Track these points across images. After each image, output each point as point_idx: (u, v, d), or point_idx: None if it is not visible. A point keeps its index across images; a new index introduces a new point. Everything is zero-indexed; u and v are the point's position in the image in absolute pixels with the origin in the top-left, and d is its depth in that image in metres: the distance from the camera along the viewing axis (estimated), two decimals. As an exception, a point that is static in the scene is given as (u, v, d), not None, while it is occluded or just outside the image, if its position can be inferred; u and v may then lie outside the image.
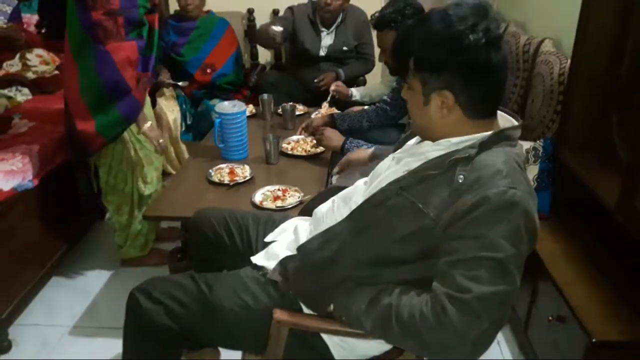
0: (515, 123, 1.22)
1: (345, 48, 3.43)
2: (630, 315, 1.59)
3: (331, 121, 2.59)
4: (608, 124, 1.92)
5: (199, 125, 3.21)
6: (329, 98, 3.08)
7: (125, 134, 2.28)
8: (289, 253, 1.41)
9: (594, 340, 1.50)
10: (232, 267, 1.51)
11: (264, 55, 4.15)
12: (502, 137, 1.17)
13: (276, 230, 1.60)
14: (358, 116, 2.63)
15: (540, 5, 2.92)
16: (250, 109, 2.97)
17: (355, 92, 3.18)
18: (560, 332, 1.70)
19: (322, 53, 3.43)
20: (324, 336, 1.34)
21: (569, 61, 2.15)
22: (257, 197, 1.99)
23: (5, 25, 3.29)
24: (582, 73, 1.97)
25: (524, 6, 3.13)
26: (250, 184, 2.13)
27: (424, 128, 1.24)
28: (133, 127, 2.28)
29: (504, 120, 1.24)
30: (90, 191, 2.66)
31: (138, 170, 2.37)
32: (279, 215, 1.72)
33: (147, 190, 2.43)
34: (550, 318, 1.72)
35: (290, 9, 3.50)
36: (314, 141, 2.44)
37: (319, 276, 1.27)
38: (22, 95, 2.92)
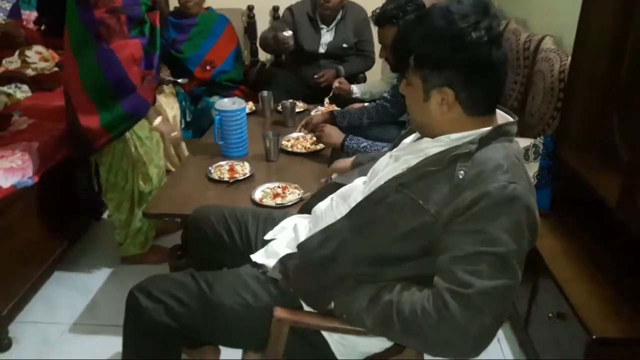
0: (510, 119, 1.22)
1: (345, 45, 3.42)
2: (631, 313, 1.59)
3: (331, 118, 2.59)
4: (608, 122, 1.91)
5: (198, 123, 3.21)
6: (330, 95, 3.08)
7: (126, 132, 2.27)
8: (289, 251, 1.41)
9: (594, 337, 1.50)
10: (231, 264, 1.51)
11: (264, 53, 4.14)
12: (500, 133, 1.17)
13: (276, 228, 1.59)
14: (358, 113, 2.63)
15: (541, 2, 2.92)
16: (250, 106, 2.96)
17: (356, 89, 3.18)
18: (561, 330, 1.70)
19: (321, 50, 3.43)
20: (325, 334, 1.34)
21: (569, 58, 2.14)
22: (257, 195, 1.99)
23: (3, 22, 3.28)
24: (583, 72, 1.96)
25: (525, 3, 3.12)
26: (250, 181, 2.13)
27: (423, 124, 1.24)
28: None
29: (500, 117, 1.24)
30: (90, 189, 2.65)
31: (138, 167, 2.37)
32: (279, 213, 1.72)
33: (147, 188, 2.42)
34: (550, 315, 1.72)
35: (290, 9, 3.50)
36: (314, 138, 2.44)
37: (319, 274, 1.27)
38: (22, 92, 2.92)
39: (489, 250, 1.05)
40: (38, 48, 3.26)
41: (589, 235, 1.95)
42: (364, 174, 1.47)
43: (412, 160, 1.24)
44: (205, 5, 3.38)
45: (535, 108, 2.41)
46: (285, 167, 2.31)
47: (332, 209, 1.41)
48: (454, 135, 1.18)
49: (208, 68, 3.29)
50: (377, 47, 2.30)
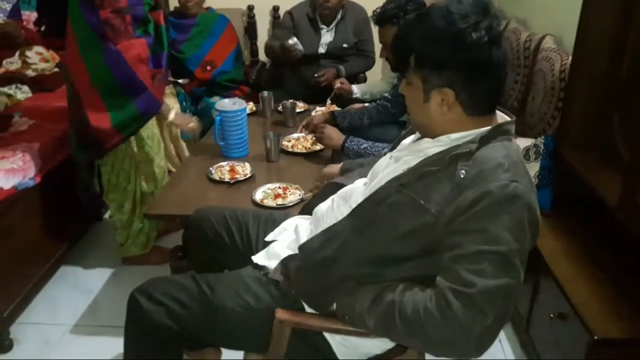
0: (508, 118, 1.22)
1: (345, 45, 3.41)
2: (632, 313, 1.59)
3: (331, 118, 2.59)
4: (609, 122, 1.91)
5: (199, 123, 3.20)
6: (332, 95, 3.08)
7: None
8: (290, 252, 1.41)
9: (595, 337, 1.50)
10: (232, 265, 1.51)
11: (264, 53, 4.14)
12: (500, 132, 1.17)
13: (277, 229, 1.59)
14: (359, 113, 2.62)
15: (542, 1, 2.91)
16: (250, 106, 2.96)
17: (356, 89, 3.18)
18: (562, 330, 1.70)
19: (321, 50, 3.42)
20: (327, 335, 1.34)
21: (570, 58, 2.14)
22: (258, 195, 1.99)
23: (3, 22, 3.28)
24: (583, 72, 1.96)
25: (525, 3, 3.12)
26: (250, 182, 2.13)
27: (423, 124, 1.24)
28: None
29: (499, 116, 1.24)
30: (90, 190, 2.66)
31: (141, 168, 2.37)
32: (280, 214, 1.72)
33: (149, 188, 2.43)
34: (551, 316, 1.72)
35: (289, 13, 3.49)
36: (314, 139, 2.44)
37: (321, 275, 1.27)
38: (22, 93, 2.93)
39: (491, 249, 1.05)
40: (38, 49, 3.26)
41: (590, 235, 1.95)
42: (365, 175, 1.47)
43: (413, 161, 1.24)
44: (206, 5, 3.37)
45: (536, 108, 2.41)
46: (286, 167, 2.31)
47: (333, 210, 1.41)
48: (454, 135, 1.19)
49: (208, 68, 3.29)
50: (378, 47, 2.30)
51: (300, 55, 3.24)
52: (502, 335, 2.17)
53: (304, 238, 1.41)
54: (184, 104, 3.25)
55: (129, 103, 2.15)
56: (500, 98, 1.22)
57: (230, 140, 2.34)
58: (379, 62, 3.56)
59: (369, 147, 2.20)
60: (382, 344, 1.35)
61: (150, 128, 2.39)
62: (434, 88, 1.15)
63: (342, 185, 1.51)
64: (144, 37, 2.15)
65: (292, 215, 1.67)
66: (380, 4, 2.21)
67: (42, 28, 2.67)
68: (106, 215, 2.95)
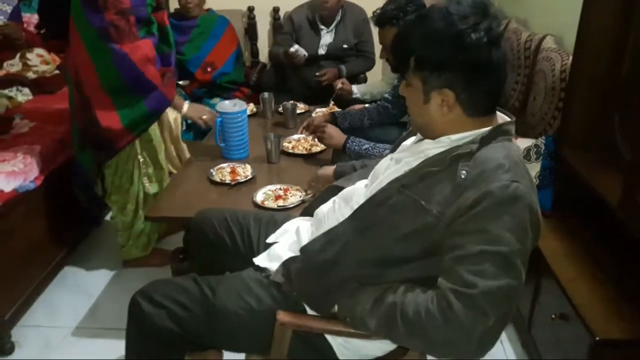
0: (508, 119, 1.22)
1: (345, 46, 3.42)
2: (633, 314, 1.59)
3: (332, 119, 2.59)
4: (609, 122, 1.91)
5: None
6: (334, 96, 3.08)
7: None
8: (291, 254, 1.41)
9: (597, 338, 1.50)
10: (234, 267, 1.51)
11: (265, 54, 4.15)
12: (500, 132, 1.17)
13: (278, 231, 1.59)
14: (359, 114, 2.63)
15: (542, 1, 2.91)
16: (251, 107, 2.96)
17: (356, 90, 3.18)
18: (564, 331, 1.69)
19: (321, 52, 3.43)
20: (328, 337, 1.34)
21: (570, 58, 2.14)
22: (259, 197, 1.99)
23: (4, 24, 3.29)
24: (583, 72, 1.96)
25: (526, 3, 3.12)
26: (251, 184, 2.13)
27: (423, 125, 1.24)
28: None
29: (498, 117, 1.24)
30: (90, 193, 2.65)
31: (144, 169, 2.38)
32: (281, 215, 1.72)
33: (153, 189, 2.43)
34: (553, 316, 1.72)
35: (289, 17, 3.51)
36: (315, 140, 2.44)
37: (322, 277, 1.27)
38: (23, 95, 2.92)
39: (493, 250, 1.05)
40: (39, 51, 3.26)
41: (591, 235, 1.95)
42: (365, 176, 1.47)
43: (413, 162, 1.24)
44: (206, 6, 3.38)
45: (537, 108, 2.41)
46: (287, 168, 2.31)
47: (335, 211, 1.41)
48: (454, 136, 1.19)
49: (209, 70, 3.29)
50: (377, 48, 2.30)
51: (303, 60, 3.26)
52: (503, 335, 2.17)
53: (305, 240, 1.41)
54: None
55: (139, 103, 2.16)
56: (500, 99, 1.22)
57: (231, 142, 2.33)
58: (380, 62, 3.56)
59: (370, 148, 2.20)
60: (384, 346, 1.35)
61: (153, 128, 2.39)
62: (434, 89, 1.15)
63: (342, 188, 1.50)
64: (148, 38, 2.16)
65: (294, 217, 1.67)
66: (380, 5, 2.21)
67: (43, 31, 2.67)
68: (107, 217, 2.95)
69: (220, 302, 1.36)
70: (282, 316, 1.29)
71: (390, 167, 1.31)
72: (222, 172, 2.19)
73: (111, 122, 2.15)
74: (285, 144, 2.45)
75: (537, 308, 1.92)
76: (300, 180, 2.10)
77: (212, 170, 2.19)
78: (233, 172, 2.18)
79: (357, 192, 1.40)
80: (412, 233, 1.16)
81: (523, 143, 2.14)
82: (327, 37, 3.44)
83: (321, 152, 2.42)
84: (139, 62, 2.10)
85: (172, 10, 3.60)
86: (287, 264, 1.37)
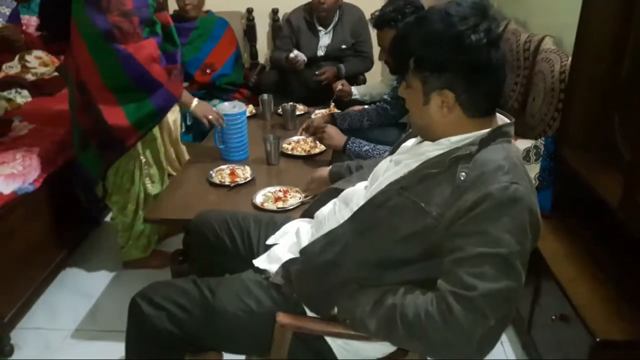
0: (507, 120, 1.22)
1: (343, 46, 3.43)
2: (633, 314, 1.59)
3: (331, 120, 2.59)
4: (609, 122, 1.91)
5: (199, 126, 3.19)
6: (333, 97, 3.08)
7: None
8: (291, 256, 1.41)
9: (597, 339, 1.50)
10: (233, 269, 1.51)
11: (264, 55, 4.15)
12: (499, 134, 1.17)
13: (278, 233, 1.59)
14: (359, 115, 2.63)
15: (541, 2, 2.91)
16: (250, 109, 2.96)
17: (355, 91, 3.18)
18: (564, 332, 1.69)
19: (320, 53, 3.44)
20: (328, 339, 1.34)
21: (569, 59, 2.14)
22: (258, 199, 1.98)
23: (3, 26, 3.28)
24: (583, 72, 1.96)
25: (525, 4, 3.12)
26: (251, 185, 2.13)
27: (423, 127, 1.24)
28: None
29: (497, 118, 1.24)
30: (91, 193, 2.65)
31: (146, 169, 2.38)
32: (281, 217, 1.72)
33: (154, 190, 2.43)
34: (553, 317, 1.72)
35: (288, 20, 3.52)
36: (314, 141, 2.43)
37: (322, 279, 1.27)
38: (22, 97, 2.92)
39: (492, 252, 1.05)
40: (38, 53, 3.26)
41: (591, 236, 1.95)
42: (364, 178, 1.47)
43: (413, 164, 1.24)
44: (205, 8, 3.38)
45: (536, 109, 2.41)
46: (286, 170, 2.30)
47: (335, 213, 1.41)
48: (454, 138, 1.19)
49: (208, 71, 3.29)
50: (375, 48, 2.30)
51: (303, 65, 3.28)
52: (503, 337, 2.16)
53: (305, 241, 1.41)
54: (178, 106, 3.26)
55: (144, 100, 2.17)
56: (499, 99, 1.22)
57: (230, 144, 2.33)
58: (379, 64, 3.56)
59: (370, 150, 2.21)
60: (384, 348, 1.35)
61: (155, 129, 2.39)
62: (434, 90, 1.15)
63: (341, 190, 1.50)
64: (152, 38, 2.16)
65: (294, 218, 1.67)
66: (377, 5, 2.21)
67: (44, 33, 2.67)
68: (107, 218, 2.95)
69: (219, 304, 1.36)
70: (282, 318, 1.28)
71: (390, 169, 1.31)
72: (222, 173, 2.19)
73: (118, 120, 2.15)
74: (284, 145, 2.45)
75: (537, 309, 1.92)
76: (300, 181, 2.10)
77: (211, 172, 2.19)
78: (232, 173, 2.18)
79: (357, 194, 1.39)
80: (411, 235, 1.15)
81: (522, 144, 2.14)
82: (325, 39, 3.45)
83: (320, 153, 2.41)
84: (144, 62, 2.11)
85: (171, 12, 3.60)
86: (286, 266, 1.37)
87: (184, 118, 3.24)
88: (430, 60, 1.13)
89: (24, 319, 2.27)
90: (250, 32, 4.04)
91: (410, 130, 1.43)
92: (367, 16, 2.44)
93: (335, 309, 1.26)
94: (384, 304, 1.16)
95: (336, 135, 2.32)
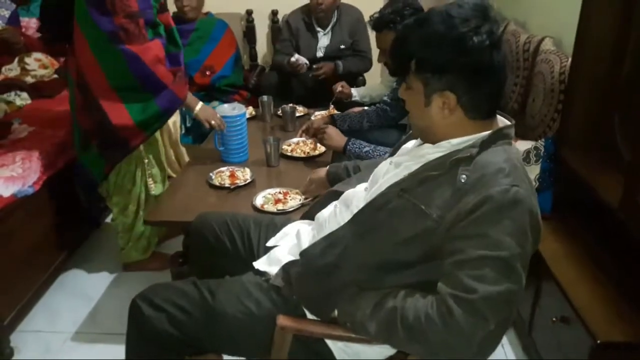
0: (508, 122, 1.22)
1: (342, 47, 3.44)
2: (635, 316, 1.58)
3: (331, 122, 2.59)
4: (609, 123, 1.91)
5: (198, 128, 3.19)
6: (333, 99, 3.08)
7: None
8: (292, 258, 1.40)
9: (598, 341, 1.49)
10: (234, 271, 1.51)
11: (264, 57, 4.16)
12: (500, 136, 1.17)
13: (278, 235, 1.59)
14: (358, 117, 2.62)
15: (540, 3, 2.91)
16: (250, 110, 2.96)
17: (355, 93, 3.19)
18: (564, 334, 1.69)
19: (319, 54, 3.45)
20: (328, 341, 1.34)
21: (569, 60, 2.14)
22: (258, 201, 1.98)
23: (1, 28, 3.28)
24: (583, 72, 1.96)
25: (524, 4, 3.12)
26: (251, 187, 2.13)
27: (424, 129, 1.24)
28: None
29: (498, 120, 1.24)
30: (93, 194, 2.65)
31: (147, 169, 2.38)
32: (281, 219, 1.72)
33: (156, 190, 2.43)
34: (553, 319, 1.71)
35: (287, 22, 3.52)
36: (314, 143, 2.43)
37: (322, 281, 1.27)
38: (21, 99, 2.92)
39: (493, 255, 1.05)
40: (37, 55, 3.26)
41: (591, 237, 1.95)
42: (364, 180, 1.47)
43: (413, 166, 1.24)
44: (204, 10, 3.38)
45: (536, 110, 2.41)
46: (286, 172, 2.30)
47: (336, 215, 1.41)
48: (454, 141, 1.19)
49: (208, 73, 3.29)
50: (374, 47, 2.30)
51: (305, 68, 3.29)
52: (504, 338, 2.15)
53: (305, 244, 1.41)
54: (184, 109, 3.25)
55: (149, 101, 2.17)
56: (501, 101, 1.22)
57: (230, 146, 2.33)
58: (379, 65, 3.55)
59: (370, 151, 2.21)
60: (384, 351, 1.34)
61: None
62: (435, 92, 1.15)
63: (341, 193, 1.50)
64: (156, 39, 2.17)
65: (294, 220, 1.67)
66: (376, 5, 2.21)
67: (45, 35, 2.67)
68: (108, 219, 2.94)
69: (219, 306, 1.36)
70: (282, 320, 1.28)
71: (390, 171, 1.31)
72: (222, 175, 2.18)
73: (122, 120, 2.15)
74: (284, 147, 2.45)
75: (538, 311, 1.91)
76: (300, 183, 2.09)
77: (211, 174, 2.19)
78: (232, 175, 2.18)
79: (357, 196, 1.39)
80: (412, 237, 1.15)
81: (522, 145, 2.13)
82: (324, 40, 3.46)
83: (320, 155, 2.41)
84: (150, 63, 2.11)
85: (170, 14, 3.60)
86: (287, 268, 1.37)
87: (183, 120, 3.24)
88: (432, 62, 1.13)
89: (24, 321, 2.27)
90: (249, 33, 4.04)
91: (410, 132, 1.43)
92: (365, 17, 2.45)
93: (336, 312, 1.26)
94: (384, 306, 1.16)
95: (337, 136, 2.32)
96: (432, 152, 1.22)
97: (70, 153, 2.50)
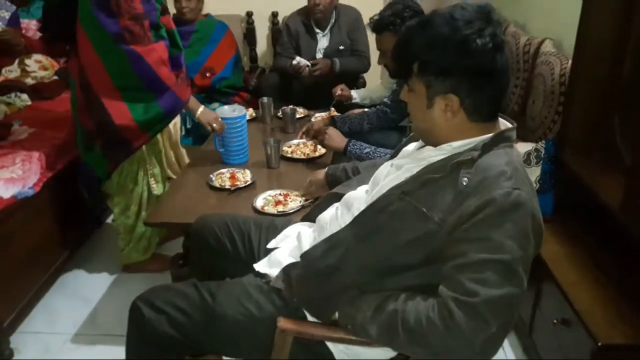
0: (509, 125, 1.22)
1: (341, 47, 3.45)
2: (636, 318, 1.58)
3: (332, 123, 2.58)
4: (610, 124, 1.90)
5: (199, 130, 3.19)
6: (334, 102, 3.08)
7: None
8: (292, 260, 1.40)
9: (599, 344, 1.49)
10: (234, 273, 1.50)
11: (264, 58, 4.15)
12: (501, 139, 1.17)
13: (279, 237, 1.59)
14: (359, 118, 2.62)
15: (540, 5, 2.91)
16: (250, 112, 2.96)
17: (356, 95, 3.18)
18: (565, 336, 1.69)
19: (319, 55, 3.45)
20: (329, 344, 1.34)
21: (569, 62, 2.14)
22: (259, 202, 1.98)
23: (2, 30, 3.28)
24: (584, 74, 1.96)
25: (524, 6, 3.12)
26: (251, 189, 2.12)
27: (426, 131, 1.24)
28: None
29: (500, 122, 1.24)
30: (96, 193, 2.64)
31: (149, 169, 2.38)
32: (281, 221, 1.72)
33: (158, 190, 2.42)
34: (554, 321, 1.71)
35: (286, 25, 3.53)
36: (314, 144, 2.43)
37: (323, 284, 1.27)
38: (22, 101, 2.92)
39: (495, 258, 1.05)
40: (37, 57, 3.26)
41: (592, 239, 1.94)
42: (365, 182, 1.47)
43: (415, 169, 1.24)
44: (204, 11, 3.38)
45: (536, 112, 2.41)
46: (286, 173, 2.30)
47: (337, 217, 1.41)
48: (455, 143, 1.18)
49: (208, 75, 3.29)
50: (372, 48, 2.30)
51: (307, 70, 3.30)
52: (505, 341, 2.16)
53: (306, 246, 1.40)
54: (184, 110, 3.25)
55: (152, 102, 2.17)
56: (502, 104, 1.22)
57: (230, 147, 2.33)
58: (378, 67, 3.56)
59: (371, 152, 2.21)
60: (385, 353, 1.34)
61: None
62: (438, 94, 1.15)
63: (342, 195, 1.50)
64: (161, 41, 2.17)
65: (294, 222, 1.66)
66: (374, 5, 2.21)
67: (47, 36, 2.67)
68: (108, 220, 2.94)
69: (220, 308, 1.35)
70: (283, 323, 1.28)
71: (391, 173, 1.31)
72: (222, 177, 2.18)
73: (124, 119, 2.15)
74: (284, 148, 2.45)
75: (539, 313, 1.91)
76: (300, 185, 2.09)
77: (211, 176, 2.18)
78: (233, 177, 2.18)
79: (358, 198, 1.39)
80: (413, 240, 1.15)
81: (523, 147, 2.13)
82: (323, 41, 3.47)
83: (320, 156, 2.41)
84: (153, 64, 2.11)
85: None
86: (287, 270, 1.37)
87: (183, 121, 3.24)
88: (435, 64, 1.13)
89: (24, 323, 2.26)
90: (249, 35, 4.04)
91: (411, 134, 1.43)
92: (364, 17, 2.44)
93: (336, 314, 1.26)
94: (385, 309, 1.16)
95: (337, 137, 2.32)
96: (434, 154, 1.21)
97: (71, 154, 2.50)
